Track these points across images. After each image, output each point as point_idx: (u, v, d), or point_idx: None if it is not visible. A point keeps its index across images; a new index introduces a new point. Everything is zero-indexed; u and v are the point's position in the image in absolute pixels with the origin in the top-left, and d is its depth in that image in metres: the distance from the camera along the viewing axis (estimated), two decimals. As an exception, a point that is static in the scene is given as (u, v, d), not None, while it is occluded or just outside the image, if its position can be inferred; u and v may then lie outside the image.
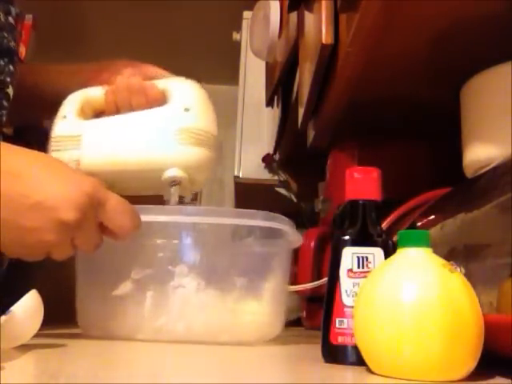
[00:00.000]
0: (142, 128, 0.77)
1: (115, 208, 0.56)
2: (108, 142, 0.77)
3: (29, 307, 0.51)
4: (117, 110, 0.79)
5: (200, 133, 0.76)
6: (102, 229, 0.57)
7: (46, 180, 0.53)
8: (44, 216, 0.52)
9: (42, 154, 0.56)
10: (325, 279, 0.52)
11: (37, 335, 0.52)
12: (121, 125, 0.79)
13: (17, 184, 0.52)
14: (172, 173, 0.74)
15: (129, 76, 0.80)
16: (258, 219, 0.69)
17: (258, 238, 0.69)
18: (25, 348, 0.50)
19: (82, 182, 0.54)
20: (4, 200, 0.51)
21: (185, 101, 0.78)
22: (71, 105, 0.80)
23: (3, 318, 0.48)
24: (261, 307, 0.69)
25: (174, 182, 0.74)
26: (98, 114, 0.81)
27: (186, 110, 0.77)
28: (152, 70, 0.82)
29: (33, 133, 1.44)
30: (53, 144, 0.78)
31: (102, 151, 0.76)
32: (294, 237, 0.71)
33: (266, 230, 0.69)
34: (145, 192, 0.80)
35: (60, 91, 0.81)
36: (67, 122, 0.79)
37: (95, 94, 0.81)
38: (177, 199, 0.74)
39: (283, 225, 0.69)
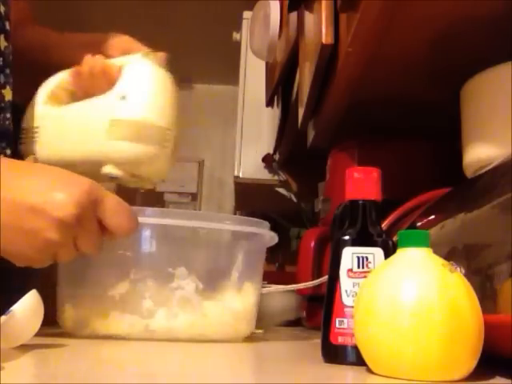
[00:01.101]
0: (83, 119, 0.72)
1: (113, 207, 0.56)
2: (58, 135, 0.73)
3: (29, 307, 0.51)
4: (85, 94, 0.74)
5: (135, 125, 0.69)
6: (101, 229, 0.57)
7: (42, 182, 0.54)
8: (44, 216, 0.52)
9: (38, 164, 0.57)
10: (325, 277, 0.52)
11: (37, 335, 0.52)
12: (69, 116, 0.74)
13: (14, 188, 0.53)
14: (106, 169, 0.69)
15: (93, 55, 0.74)
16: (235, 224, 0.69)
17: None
18: (25, 348, 0.50)
19: (80, 181, 0.55)
20: (5, 207, 0.52)
21: (124, 87, 0.71)
22: (42, 92, 0.76)
23: (3, 317, 0.48)
24: (241, 304, 0.69)
25: (113, 179, 0.70)
26: (76, 98, 0.76)
27: (122, 98, 0.70)
28: (127, 43, 0.77)
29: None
30: (21, 136, 0.75)
31: (53, 146, 0.72)
32: (268, 237, 0.71)
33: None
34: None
35: (66, 61, 0.78)
36: (32, 111, 0.75)
37: (66, 77, 0.75)
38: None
39: (260, 228, 0.69)
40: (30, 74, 0.83)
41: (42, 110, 0.75)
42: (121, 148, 0.69)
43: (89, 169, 0.69)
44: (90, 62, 0.74)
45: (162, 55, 0.75)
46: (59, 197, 0.53)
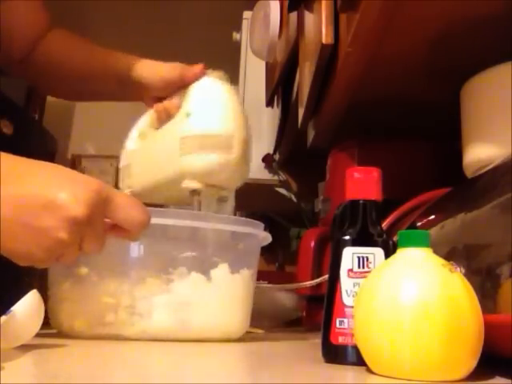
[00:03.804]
0: (160, 145, 0.80)
1: (124, 203, 0.56)
2: (144, 165, 0.81)
3: (29, 307, 0.51)
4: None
5: (202, 137, 0.73)
6: (111, 229, 0.57)
7: (53, 180, 0.54)
8: (56, 214, 0.51)
9: (45, 162, 0.56)
10: (325, 277, 0.52)
11: (37, 335, 0.52)
12: (150, 145, 0.82)
13: (25, 186, 0.52)
14: (185, 184, 0.74)
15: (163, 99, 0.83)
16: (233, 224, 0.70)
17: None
18: (25, 348, 0.50)
19: (89, 181, 0.55)
20: (13, 205, 0.51)
21: (187, 106, 0.77)
22: (133, 133, 0.85)
23: (3, 318, 0.48)
24: (236, 303, 0.69)
25: (193, 192, 0.75)
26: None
27: (188, 115, 0.76)
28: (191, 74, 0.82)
29: (32, 132, 1.44)
30: (119, 176, 0.85)
31: (142, 176, 0.80)
32: (262, 236, 0.73)
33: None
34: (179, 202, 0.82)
35: (87, 68, 0.87)
36: (125, 152, 0.85)
37: (152, 117, 0.84)
38: (199, 208, 0.75)
39: (254, 228, 0.70)
40: (56, 77, 0.88)
41: (132, 147, 0.85)
42: (191, 161, 0.74)
43: (173, 188, 0.76)
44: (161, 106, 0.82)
45: (218, 72, 0.82)
46: (70, 195, 0.52)
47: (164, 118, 0.81)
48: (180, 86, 0.82)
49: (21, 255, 0.53)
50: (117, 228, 0.57)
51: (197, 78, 0.80)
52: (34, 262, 0.54)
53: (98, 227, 0.55)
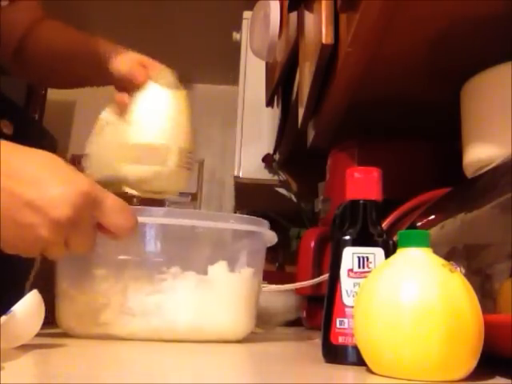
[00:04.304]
0: (108, 144, 0.80)
1: (112, 207, 0.56)
2: (96, 160, 0.80)
3: (29, 307, 0.51)
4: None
5: (138, 147, 0.76)
6: (99, 228, 0.57)
7: (42, 178, 0.54)
8: (38, 213, 0.52)
9: (42, 152, 0.56)
10: (324, 276, 0.52)
11: (37, 335, 0.52)
12: (99, 142, 0.82)
13: (13, 181, 0.53)
14: (124, 189, 0.76)
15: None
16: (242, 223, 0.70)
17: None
18: (25, 348, 0.50)
19: (79, 181, 0.55)
20: (2, 197, 0.52)
21: (129, 113, 0.78)
22: (97, 123, 0.84)
23: (3, 317, 0.48)
24: (241, 302, 0.69)
25: (134, 196, 0.77)
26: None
27: (128, 123, 0.77)
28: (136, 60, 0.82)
29: (32, 132, 1.44)
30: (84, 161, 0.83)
31: (95, 169, 0.79)
32: (268, 236, 0.72)
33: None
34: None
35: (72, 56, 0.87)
36: (89, 139, 0.84)
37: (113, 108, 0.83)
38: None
39: (260, 227, 0.70)
40: (50, 65, 0.89)
41: (90, 138, 0.84)
42: (126, 170, 0.76)
43: (118, 189, 0.76)
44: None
45: (165, 74, 0.81)
46: (56, 195, 0.53)
47: (119, 112, 0.81)
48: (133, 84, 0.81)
49: (7, 244, 0.54)
50: (104, 229, 0.57)
51: (143, 80, 0.80)
52: (19, 252, 0.55)
53: (83, 228, 0.55)
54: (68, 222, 0.53)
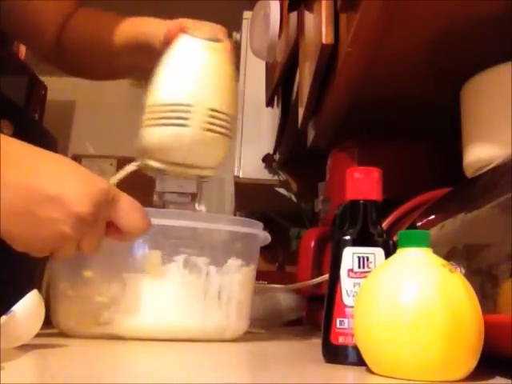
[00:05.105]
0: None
1: (127, 206, 0.56)
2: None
3: (29, 307, 0.51)
4: None
5: (160, 107, 0.66)
6: (109, 230, 0.57)
7: (63, 175, 0.54)
8: (62, 208, 0.51)
9: (55, 153, 0.56)
10: (324, 276, 0.52)
11: (37, 335, 0.52)
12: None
13: (34, 177, 0.52)
14: (147, 162, 0.68)
15: None
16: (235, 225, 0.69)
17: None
18: (25, 348, 0.50)
19: (97, 179, 0.55)
20: (20, 192, 0.51)
21: (155, 74, 0.68)
22: None
23: (3, 317, 0.48)
24: (235, 303, 0.69)
25: (158, 171, 0.69)
26: None
27: (153, 81, 0.67)
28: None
29: (32, 132, 1.44)
30: None
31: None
32: (261, 236, 0.72)
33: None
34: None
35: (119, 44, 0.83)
36: None
37: None
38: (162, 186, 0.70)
39: (253, 228, 0.70)
40: (90, 56, 0.88)
41: None
42: (146, 135, 0.67)
43: (143, 163, 0.68)
44: None
45: (204, 27, 0.73)
46: (79, 191, 0.52)
47: None
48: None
49: (19, 240, 0.53)
50: (114, 229, 0.57)
51: (176, 34, 0.72)
52: (29, 250, 0.54)
53: (99, 227, 0.55)
54: (90, 218, 0.53)
